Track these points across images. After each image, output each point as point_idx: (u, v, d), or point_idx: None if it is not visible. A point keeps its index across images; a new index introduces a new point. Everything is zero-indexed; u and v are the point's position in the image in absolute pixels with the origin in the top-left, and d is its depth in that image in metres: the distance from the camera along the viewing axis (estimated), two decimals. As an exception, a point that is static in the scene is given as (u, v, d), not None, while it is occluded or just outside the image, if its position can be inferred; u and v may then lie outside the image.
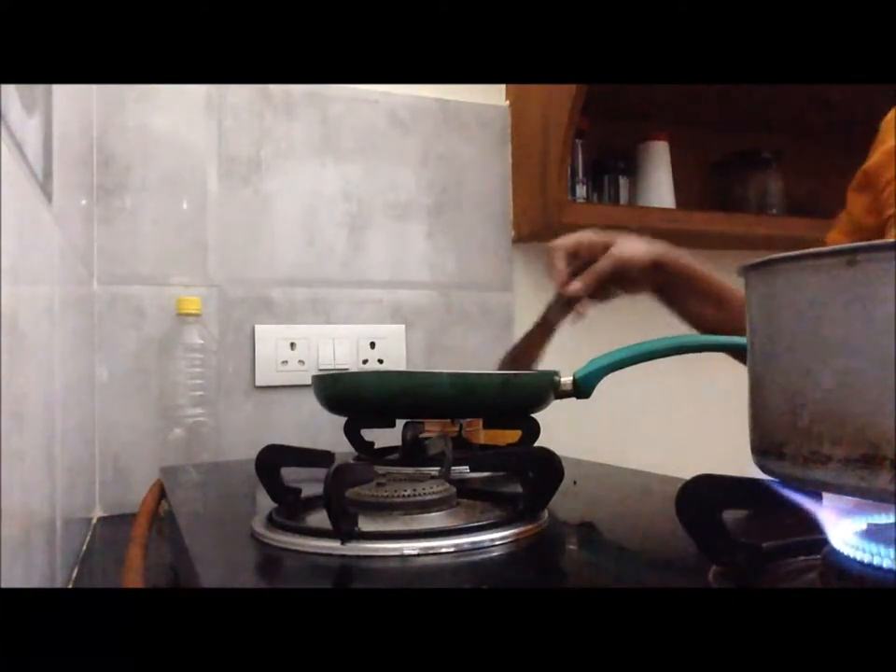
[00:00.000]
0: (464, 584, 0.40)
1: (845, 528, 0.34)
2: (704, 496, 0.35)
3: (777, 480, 0.35)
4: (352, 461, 0.69)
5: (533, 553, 0.45)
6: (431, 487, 0.49)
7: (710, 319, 0.83)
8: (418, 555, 0.42)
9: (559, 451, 0.50)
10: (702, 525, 0.35)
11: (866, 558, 0.32)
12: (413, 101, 1.15)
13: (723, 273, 1.34)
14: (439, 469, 0.54)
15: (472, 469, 0.63)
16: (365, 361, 1.10)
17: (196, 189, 1.04)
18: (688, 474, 0.37)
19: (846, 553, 0.33)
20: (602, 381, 0.80)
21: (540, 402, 0.77)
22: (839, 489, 0.31)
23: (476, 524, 0.45)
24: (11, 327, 0.39)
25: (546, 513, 0.50)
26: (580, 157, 1.20)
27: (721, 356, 0.81)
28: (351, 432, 0.80)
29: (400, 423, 0.75)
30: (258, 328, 1.06)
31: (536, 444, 0.75)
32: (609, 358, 0.80)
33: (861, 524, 0.34)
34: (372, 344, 1.11)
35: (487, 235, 1.20)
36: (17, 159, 0.42)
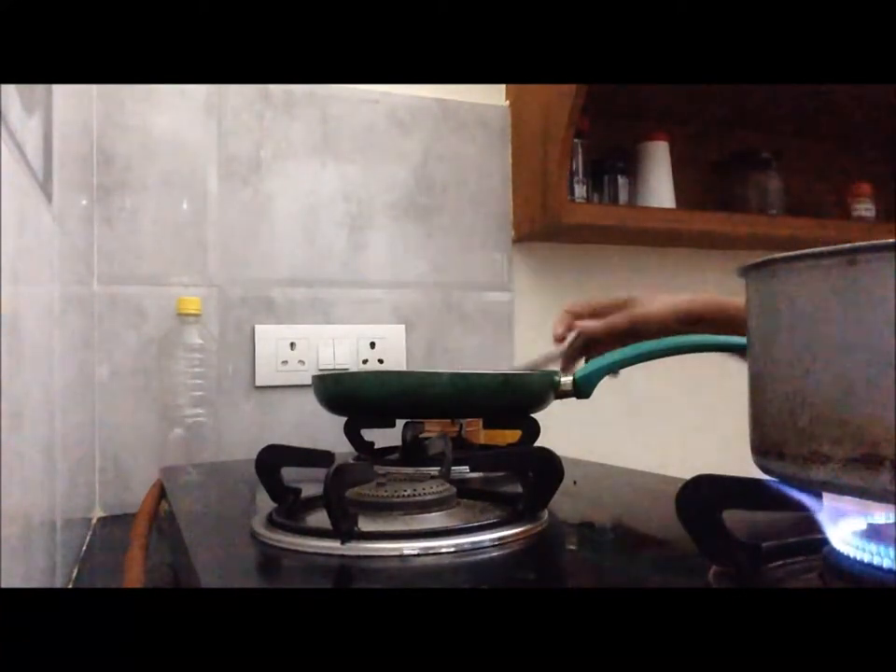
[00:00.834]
0: (464, 584, 0.40)
1: (845, 528, 0.34)
2: (704, 496, 0.35)
3: (776, 480, 0.35)
4: (352, 461, 0.69)
5: (533, 553, 0.45)
6: (431, 487, 0.49)
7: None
8: (418, 555, 0.42)
9: (559, 451, 0.50)
10: (702, 525, 0.35)
11: (866, 558, 0.32)
12: (412, 101, 1.15)
13: (723, 273, 1.34)
14: (439, 469, 0.54)
15: (472, 469, 0.63)
16: (365, 361, 1.10)
17: (196, 189, 1.04)
18: (688, 474, 0.37)
19: (846, 553, 0.33)
20: (602, 381, 0.80)
21: (540, 402, 0.77)
22: (839, 489, 0.31)
23: (476, 524, 0.45)
24: (11, 327, 0.39)
25: (546, 513, 0.50)
26: (580, 157, 1.19)
27: (722, 355, 0.81)
28: (351, 432, 0.80)
29: (400, 423, 0.75)
30: (258, 328, 1.06)
31: (536, 444, 0.75)
32: (609, 358, 0.80)
33: (861, 524, 0.34)
34: (372, 344, 1.11)
35: (487, 235, 1.20)
36: (17, 159, 0.42)
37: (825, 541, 0.35)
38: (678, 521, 0.36)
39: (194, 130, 1.04)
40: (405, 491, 0.48)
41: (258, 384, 1.05)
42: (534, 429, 0.78)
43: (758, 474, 0.36)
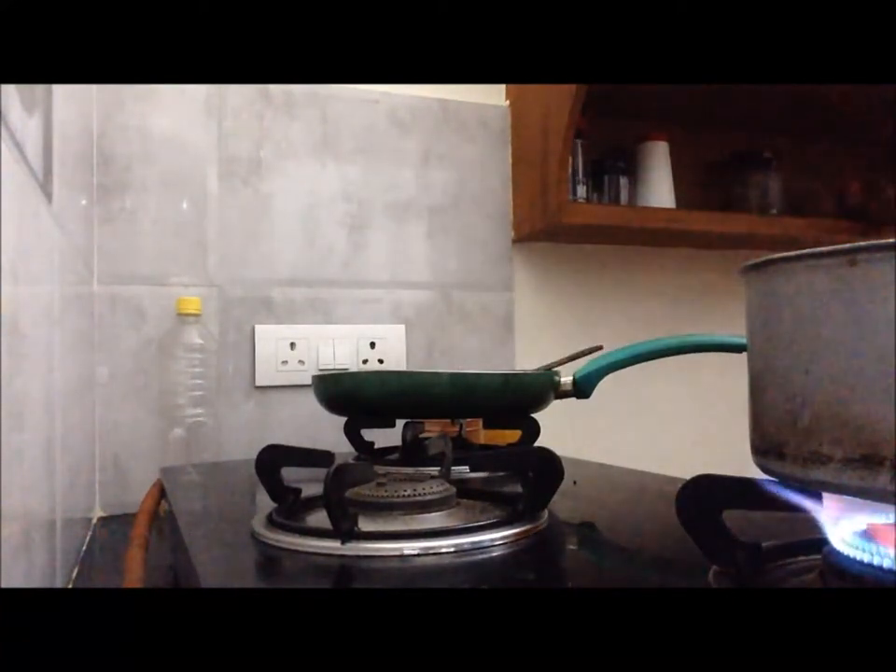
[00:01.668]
0: (464, 584, 0.40)
1: (845, 528, 0.34)
2: (704, 496, 0.35)
3: (776, 480, 0.35)
4: (352, 461, 0.69)
5: (533, 552, 0.45)
6: (431, 487, 0.49)
7: None
8: (418, 555, 0.42)
9: (559, 451, 0.50)
10: (702, 525, 0.35)
11: (866, 558, 0.32)
12: (413, 101, 1.15)
13: (723, 273, 1.35)
14: (439, 469, 0.54)
15: (472, 469, 0.63)
16: (365, 361, 1.10)
17: (196, 189, 1.04)
18: (688, 474, 0.37)
19: (846, 553, 0.33)
20: (602, 381, 0.80)
21: (540, 402, 0.77)
22: (839, 489, 0.31)
23: (476, 524, 0.45)
24: (11, 327, 0.39)
25: (546, 513, 0.50)
26: (580, 157, 1.19)
27: (722, 355, 0.81)
28: (351, 432, 0.80)
29: (400, 423, 0.75)
30: (258, 328, 1.06)
31: (536, 444, 0.75)
32: (609, 358, 0.80)
33: (861, 524, 0.34)
34: (372, 344, 1.11)
35: (487, 235, 1.20)
36: (17, 159, 0.42)
37: (825, 541, 0.35)
38: (678, 521, 0.36)
39: (194, 130, 1.04)
40: (405, 491, 0.48)
41: (258, 384, 1.05)
42: (534, 429, 0.78)
43: (758, 474, 0.36)
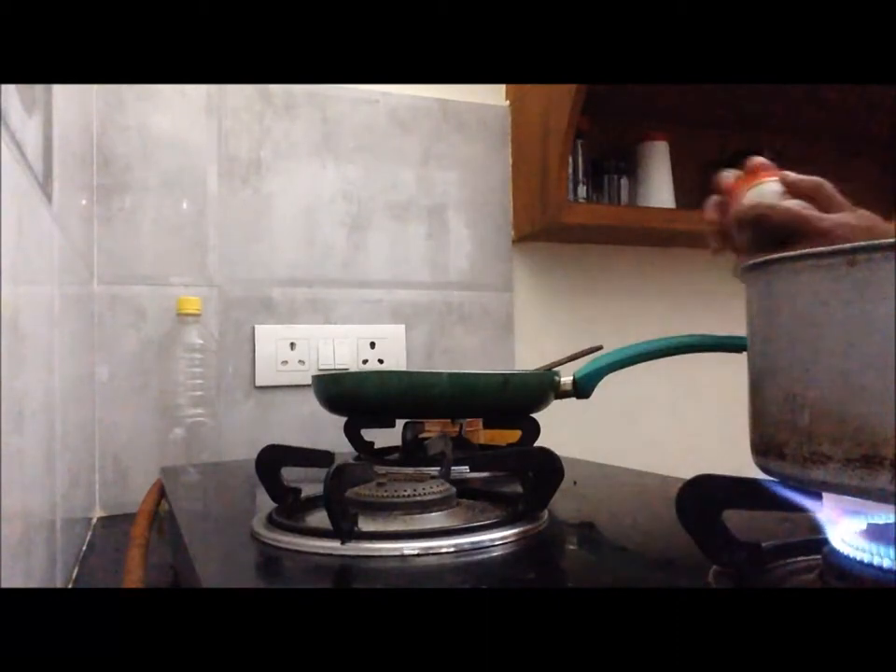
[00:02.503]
0: (464, 584, 0.40)
1: (845, 528, 0.34)
2: (704, 496, 0.35)
3: (776, 480, 0.35)
4: (352, 461, 0.69)
5: (533, 553, 0.45)
6: (431, 487, 0.49)
7: None
8: (418, 555, 0.42)
9: (559, 451, 0.50)
10: (702, 525, 0.35)
11: (866, 558, 0.32)
12: (413, 101, 1.15)
13: (723, 273, 1.34)
14: (439, 468, 0.54)
15: (472, 469, 0.63)
16: (365, 361, 1.10)
17: (196, 189, 1.04)
18: (688, 474, 0.37)
19: (846, 553, 0.33)
20: (602, 381, 0.80)
21: (540, 402, 0.77)
22: (839, 489, 0.31)
23: (476, 524, 0.45)
24: (11, 327, 0.39)
25: (546, 513, 0.50)
26: (580, 157, 1.19)
27: (721, 355, 0.81)
28: (351, 432, 0.80)
29: (400, 423, 0.75)
30: (258, 328, 1.06)
31: (536, 444, 0.75)
32: (609, 358, 0.80)
33: (861, 524, 0.34)
34: (372, 344, 1.11)
35: (487, 235, 1.20)
36: (17, 159, 0.42)
37: (825, 541, 0.35)
38: (678, 521, 0.36)
39: (194, 130, 1.04)
40: (405, 491, 0.48)
41: (258, 384, 1.05)
42: (534, 429, 0.78)
43: (758, 474, 0.36)
